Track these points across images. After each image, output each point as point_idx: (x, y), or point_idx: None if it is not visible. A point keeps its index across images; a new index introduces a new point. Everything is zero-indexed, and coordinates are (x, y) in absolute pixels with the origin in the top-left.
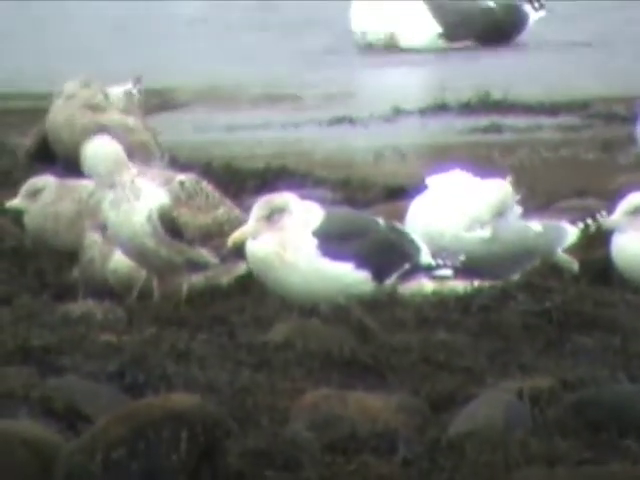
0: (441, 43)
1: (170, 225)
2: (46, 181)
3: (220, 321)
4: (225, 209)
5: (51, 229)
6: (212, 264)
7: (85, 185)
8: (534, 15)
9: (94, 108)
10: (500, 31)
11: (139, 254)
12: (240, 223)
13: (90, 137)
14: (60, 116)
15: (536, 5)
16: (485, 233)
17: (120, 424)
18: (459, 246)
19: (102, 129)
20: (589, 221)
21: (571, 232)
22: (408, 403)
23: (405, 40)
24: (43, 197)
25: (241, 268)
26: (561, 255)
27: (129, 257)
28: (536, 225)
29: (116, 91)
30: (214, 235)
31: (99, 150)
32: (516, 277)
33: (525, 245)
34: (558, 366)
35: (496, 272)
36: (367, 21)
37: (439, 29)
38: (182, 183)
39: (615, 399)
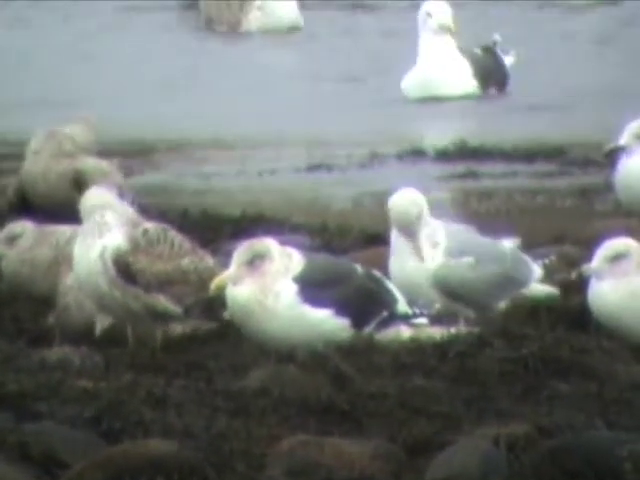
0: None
1: (123, 269)
2: (24, 227)
3: (197, 367)
4: (192, 259)
5: (28, 275)
6: (173, 312)
7: (62, 231)
8: (506, 61)
9: (65, 156)
10: (502, 78)
11: (95, 295)
12: (211, 273)
13: (65, 185)
14: (34, 168)
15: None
16: (469, 258)
17: (96, 470)
18: (450, 274)
19: (78, 175)
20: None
21: (536, 268)
22: (385, 449)
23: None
24: (21, 243)
25: (209, 324)
26: (538, 287)
27: (88, 298)
28: (507, 243)
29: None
30: (175, 283)
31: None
32: (502, 306)
33: (505, 268)
34: (535, 412)
35: (485, 298)
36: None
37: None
38: (146, 231)
39: (592, 446)
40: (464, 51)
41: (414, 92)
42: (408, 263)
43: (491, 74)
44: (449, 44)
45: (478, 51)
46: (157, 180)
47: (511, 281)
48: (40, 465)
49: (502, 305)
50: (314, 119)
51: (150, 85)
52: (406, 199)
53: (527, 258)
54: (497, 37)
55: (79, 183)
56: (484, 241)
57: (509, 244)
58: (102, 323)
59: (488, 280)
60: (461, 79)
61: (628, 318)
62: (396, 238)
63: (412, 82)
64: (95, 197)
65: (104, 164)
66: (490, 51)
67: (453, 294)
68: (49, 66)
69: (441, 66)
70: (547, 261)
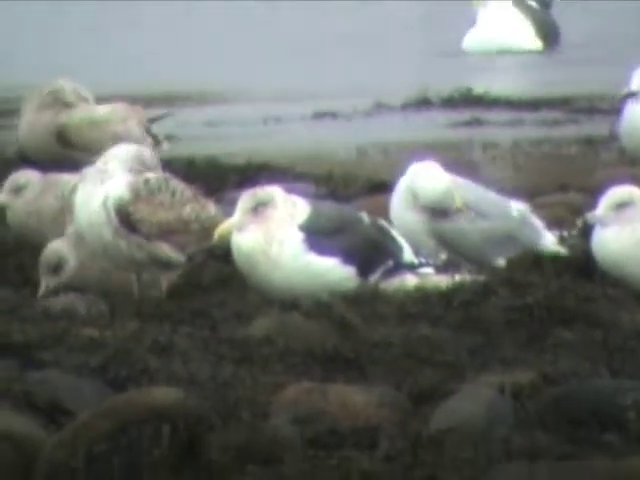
0: (540, 46)
1: (125, 218)
2: (29, 177)
3: (201, 315)
4: (194, 207)
5: (34, 225)
6: (176, 261)
7: (67, 180)
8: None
9: (50, 108)
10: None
11: (98, 244)
12: (214, 221)
13: (51, 139)
14: (22, 123)
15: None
16: (470, 213)
17: (102, 419)
18: (446, 225)
19: (61, 129)
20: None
21: (548, 234)
22: (390, 398)
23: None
24: (26, 193)
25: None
26: (546, 246)
27: (93, 248)
28: (518, 205)
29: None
30: (177, 232)
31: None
32: (501, 263)
33: (508, 227)
34: (540, 360)
35: (481, 253)
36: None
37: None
38: (147, 180)
39: (596, 394)
40: (524, 7)
41: (474, 50)
42: (407, 212)
43: (550, 30)
44: (505, 6)
45: (533, 3)
46: (164, 128)
47: (513, 241)
48: (46, 414)
49: (501, 262)
50: (329, 70)
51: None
52: (440, 189)
53: (538, 223)
54: None
55: (63, 137)
56: (490, 196)
57: (520, 206)
58: (47, 282)
59: (486, 235)
60: (523, 41)
61: (632, 266)
62: (399, 188)
63: (472, 41)
64: (112, 153)
65: (101, 112)
66: (545, 2)
67: (449, 245)
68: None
69: (500, 31)
70: (566, 234)
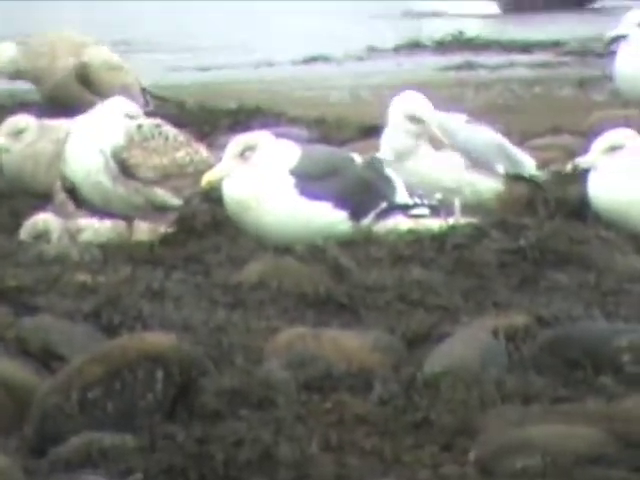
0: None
1: (121, 164)
2: (27, 121)
3: (195, 261)
4: (188, 151)
5: (30, 170)
6: (173, 204)
7: (65, 126)
8: None
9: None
10: None
11: (96, 191)
12: (208, 165)
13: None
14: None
15: None
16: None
17: (95, 364)
18: (447, 119)
19: (83, 68)
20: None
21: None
22: (383, 341)
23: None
24: (24, 138)
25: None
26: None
27: (91, 198)
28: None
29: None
30: (172, 176)
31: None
32: (500, 170)
33: (499, 140)
34: (533, 303)
35: (485, 155)
36: None
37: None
38: (140, 126)
39: (590, 336)
40: None
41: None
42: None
43: None
44: None
45: None
46: (156, 72)
47: (505, 153)
48: (39, 359)
49: (500, 169)
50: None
51: None
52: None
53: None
54: None
55: (83, 77)
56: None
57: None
58: (34, 222)
59: (483, 135)
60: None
61: (627, 209)
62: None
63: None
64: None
65: (115, 60)
66: None
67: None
68: None
69: None
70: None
